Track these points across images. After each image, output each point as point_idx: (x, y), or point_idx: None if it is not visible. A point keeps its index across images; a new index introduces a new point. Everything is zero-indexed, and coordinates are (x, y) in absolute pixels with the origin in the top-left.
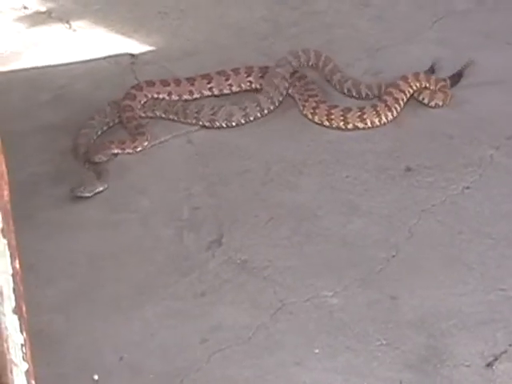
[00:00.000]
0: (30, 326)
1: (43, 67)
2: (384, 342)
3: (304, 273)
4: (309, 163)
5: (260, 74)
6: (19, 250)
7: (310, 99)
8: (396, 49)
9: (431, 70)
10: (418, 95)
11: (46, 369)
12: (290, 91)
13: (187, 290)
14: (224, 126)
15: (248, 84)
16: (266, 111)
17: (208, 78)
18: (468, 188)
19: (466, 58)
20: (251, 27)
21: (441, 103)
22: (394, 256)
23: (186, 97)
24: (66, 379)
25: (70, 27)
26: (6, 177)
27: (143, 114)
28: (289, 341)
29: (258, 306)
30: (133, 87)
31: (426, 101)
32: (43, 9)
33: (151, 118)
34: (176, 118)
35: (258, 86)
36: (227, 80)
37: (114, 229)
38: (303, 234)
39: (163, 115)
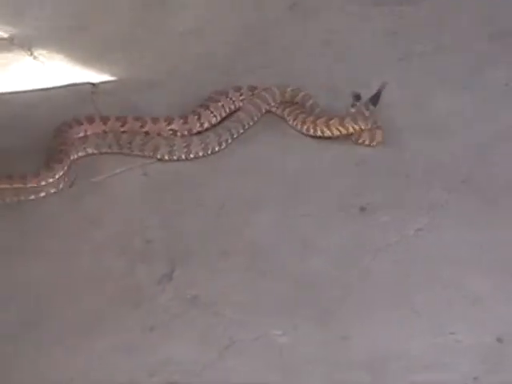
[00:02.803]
0: None
1: (3, 94)
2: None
3: (255, 310)
4: (265, 198)
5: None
6: None
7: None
8: (355, 87)
9: (357, 98)
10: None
11: None
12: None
13: (137, 324)
14: (166, 158)
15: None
16: (223, 144)
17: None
18: (421, 230)
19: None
20: (214, 61)
21: (370, 142)
22: (346, 295)
23: None
24: None
25: (32, 54)
26: None
27: (76, 155)
28: (237, 378)
29: (208, 341)
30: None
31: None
32: (5, 35)
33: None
34: (110, 151)
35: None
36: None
37: (66, 259)
38: (256, 270)
39: (95, 150)
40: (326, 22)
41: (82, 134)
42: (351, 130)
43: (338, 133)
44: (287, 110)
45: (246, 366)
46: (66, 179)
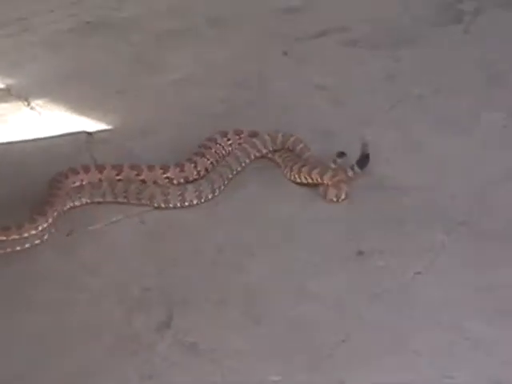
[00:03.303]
0: None
1: (0, 144)
2: None
3: (252, 356)
4: (261, 244)
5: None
6: None
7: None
8: (351, 132)
9: (340, 155)
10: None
11: None
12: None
13: (134, 372)
14: (163, 206)
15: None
16: (217, 191)
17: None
18: (419, 273)
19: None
20: (208, 107)
21: (334, 198)
22: (343, 341)
23: None
24: None
25: (29, 104)
26: None
27: (71, 204)
28: None
29: None
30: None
31: (322, 195)
32: (2, 85)
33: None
34: (102, 200)
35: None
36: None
37: (62, 307)
38: (253, 316)
39: (88, 200)
40: (320, 65)
41: (78, 184)
42: (316, 181)
43: (306, 181)
44: (278, 156)
45: None
46: (53, 230)
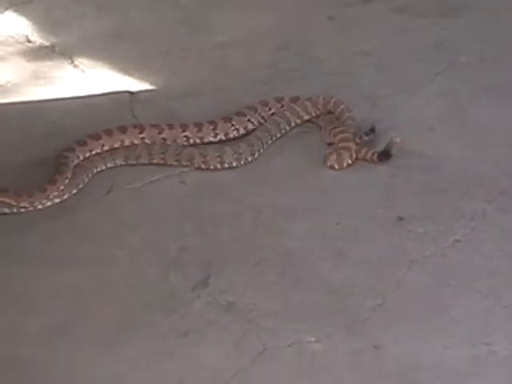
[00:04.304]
0: (5, 357)
1: (42, 101)
2: None
3: (289, 317)
4: (300, 209)
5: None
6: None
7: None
8: (396, 99)
9: (371, 131)
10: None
11: None
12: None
13: (170, 330)
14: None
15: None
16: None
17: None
18: (459, 241)
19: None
20: (252, 71)
21: (336, 165)
22: (380, 305)
23: None
24: None
25: (72, 62)
26: None
27: (103, 166)
28: None
29: (241, 348)
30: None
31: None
32: (47, 43)
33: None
34: (136, 162)
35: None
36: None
37: (101, 264)
38: (290, 279)
39: (123, 162)
40: (366, 32)
41: (99, 150)
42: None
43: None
44: (321, 119)
45: (278, 373)
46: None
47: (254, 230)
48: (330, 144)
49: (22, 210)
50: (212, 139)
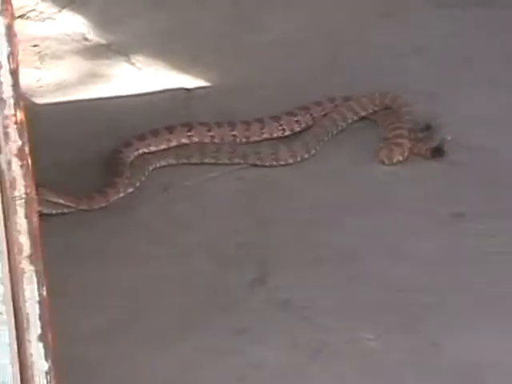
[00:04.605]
0: (65, 355)
1: (100, 99)
2: None
3: (346, 315)
4: (356, 205)
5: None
6: (50, 277)
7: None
8: (455, 94)
9: (427, 128)
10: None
11: None
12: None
13: (227, 327)
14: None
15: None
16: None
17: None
18: None
19: None
20: (306, 69)
21: (386, 160)
22: (438, 302)
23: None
24: None
25: (129, 60)
26: (35, 204)
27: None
28: (325, 382)
29: (297, 346)
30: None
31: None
32: (103, 41)
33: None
34: (187, 161)
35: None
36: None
37: (157, 261)
38: (347, 275)
39: (173, 161)
40: (423, 29)
41: (145, 150)
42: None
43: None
44: (378, 115)
45: (335, 370)
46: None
47: (310, 227)
48: (386, 139)
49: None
50: (257, 138)
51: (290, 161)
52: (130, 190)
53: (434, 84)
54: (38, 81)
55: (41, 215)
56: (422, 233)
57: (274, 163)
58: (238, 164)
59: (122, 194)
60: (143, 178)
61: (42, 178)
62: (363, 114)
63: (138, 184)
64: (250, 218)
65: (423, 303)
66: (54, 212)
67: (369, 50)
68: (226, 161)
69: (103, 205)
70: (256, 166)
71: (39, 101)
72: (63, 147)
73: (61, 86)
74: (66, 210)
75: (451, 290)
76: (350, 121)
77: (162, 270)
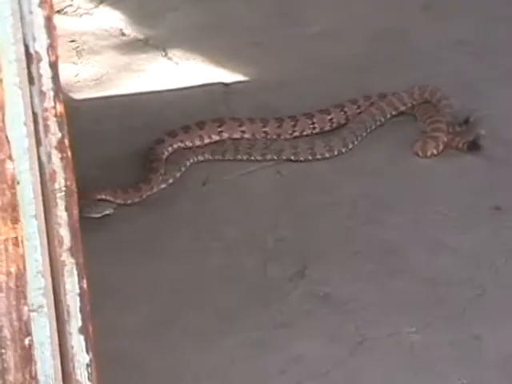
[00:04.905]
0: (110, 350)
1: (137, 94)
2: (465, 382)
3: (387, 308)
4: (396, 198)
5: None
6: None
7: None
8: (495, 87)
9: (465, 122)
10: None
11: None
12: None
13: (268, 321)
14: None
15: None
16: (350, 146)
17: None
18: None
19: None
20: (347, 61)
21: (420, 152)
22: (479, 295)
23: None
24: None
25: (166, 55)
26: (75, 196)
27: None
28: (367, 377)
29: (338, 339)
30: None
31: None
32: (141, 36)
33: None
34: (222, 158)
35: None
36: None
37: (197, 256)
38: (387, 269)
39: (210, 157)
40: (462, 20)
41: (175, 146)
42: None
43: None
44: (417, 109)
45: (377, 364)
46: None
47: (350, 221)
48: (424, 132)
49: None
50: (288, 136)
51: (327, 155)
52: (163, 186)
53: (473, 77)
54: (75, 76)
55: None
56: (461, 226)
57: (310, 158)
58: (272, 160)
59: (155, 190)
60: (178, 175)
61: (82, 172)
62: (402, 108)
63: (171, 180)
64: (288, 211)
65: (464, 296)
66: (98, 215)
67: (409, 44)
68: (259, 157)
69: (136, 200)
70: (291, 161)
71: (77, 96)
72: (102, 142)
73: (98, 81)
74: (107, 212)
75: (492, 282)
76: (389, 116)
77: (204, 264)
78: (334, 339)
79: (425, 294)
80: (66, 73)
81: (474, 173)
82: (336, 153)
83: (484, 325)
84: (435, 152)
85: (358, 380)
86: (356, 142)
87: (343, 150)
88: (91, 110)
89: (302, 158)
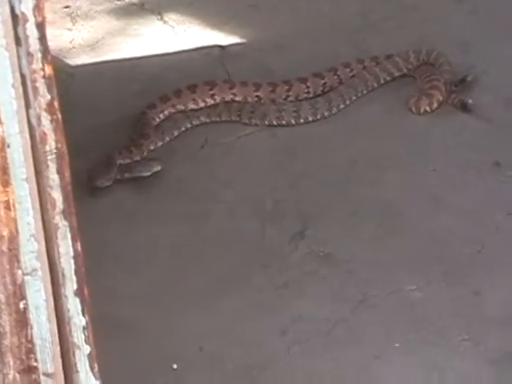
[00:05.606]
0: (111, 316)
1: (134, 58)
2: (466, 337)
3: (387, 267)
4: (393, 157)
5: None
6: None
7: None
8: (491, 44)
9: (462, 81)
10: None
11: (124, 358)
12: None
13: (269, 282)
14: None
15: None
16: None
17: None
18: None
19: None
20: (343, 22)
21: (414, 109)
22: (479, 251)
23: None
24: (145, 368)
25: (162, 19)
26: (67, 158)
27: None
28: (369, 334)
29: (340, 298)
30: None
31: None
32: (135, 0)
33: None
34: (219, 119)
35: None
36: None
37: (197, 219)
38: (387, 228)
39: (207, 120)
40: None
41: (168, 111)
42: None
43: None
44: (417, 71)
45: (378, 322)
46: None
47: (348, 181)
48: (421, 90)
49: None
50: (283, 101)
51: (310, 119)
52: (151, 148)
53: (471, 35)
54: (70, 42)
55: None
56: (460, 183)
57: (293, 122)
58: (255, 125)
59: (145, 154)
60: (176, 133)
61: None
62: (397, 74)
63: (168, 138)
64: (286, 173)
65: (464, 253)
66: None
67: (406, 3)
68: (247, 121)
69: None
70: (273, 126)
71: (73, 62)
72: (99, 107)
73: (94, 47)
74: (155, 169)
75: (491, 238)
76: (382, 81)
77: (203, 227)
78: (335, 298)
79: (425, 252)
80: (61, 39)
81: (472, 130)
82: (319, 116)
83: (484, 281)
84: (428, 109)
85: (359, 338)
86: (342, 106)
87: (326, 114)
88: (87, 76)
89: (284, 122)
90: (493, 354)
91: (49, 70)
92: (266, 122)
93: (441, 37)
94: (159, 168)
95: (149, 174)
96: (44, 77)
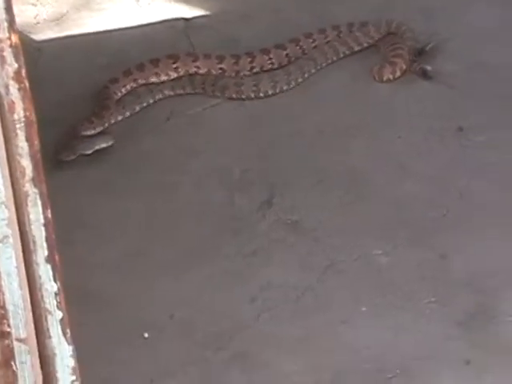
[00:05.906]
0: (82, 286)
1: (100, 32)
2: (432, 300)
3: (354, 233)
4: (358, 125)
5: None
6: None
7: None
8: (453, 10)
9: (421, 51)
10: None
11: (96, 328)
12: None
13: (237, 251)
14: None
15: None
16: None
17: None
18: None
19: None
20: None
21: (376, 77)
22: (444, 215)
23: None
24: (117, 337)
25: None
26: (35, 126)
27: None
28: (336, 300)
29: (307, 266)
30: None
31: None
32: None
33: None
34: (183, 92)
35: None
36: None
37: (165, 190)
38: (353, 195)
39: (171, 93)
40: None
41: (130, 86)
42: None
43: None
44: (381, 41)
45: (346, 287)
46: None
47: (314, 150)
48: (385, 58)
49: None
50: (247, 73)
51: (270, 92)
52: (112, 121)
53: (433, 1)
54: (35, 17)
55: None
56: (425, 149)
57: (253, 96)
58: (218, 97)
59: (106, 125)
60: (137, 108)
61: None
62: (357, 48)
63: (128, 113)
64: (253, 143)
65: (430, 217)
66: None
67: None
68: (210, 94)
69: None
70: (232, 99)
71: (38, 37)
72: (68, 81)
73: (59, 22)
74: (104, 145)
75: (456, 202)
76: (342, 55)
77: (172, 198)
78: (303, 265)
79: (390, 218)
80: (26, 14)
81: (435, 97)
82: (278, 90)
83: (450, 244)
84: (391, 77)
85: (328, 304)
86: (300, 80)
87: (284, 88)
88: (53, 51)
89: (243, 96)
90: (459, 315)
91: (15, 38)
92: (226, 95)
93: (404, 3)
94: (106, 145)
95: (90, 152)
96: (11, 46)
